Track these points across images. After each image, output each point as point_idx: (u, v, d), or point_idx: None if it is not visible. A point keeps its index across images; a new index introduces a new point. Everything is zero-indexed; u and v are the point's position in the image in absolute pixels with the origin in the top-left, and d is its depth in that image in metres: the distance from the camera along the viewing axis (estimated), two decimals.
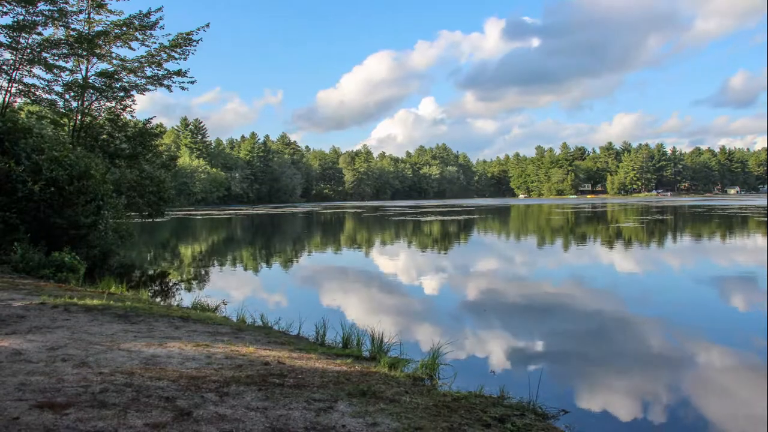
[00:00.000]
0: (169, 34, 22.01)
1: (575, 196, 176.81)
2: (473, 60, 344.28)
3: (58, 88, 21.34)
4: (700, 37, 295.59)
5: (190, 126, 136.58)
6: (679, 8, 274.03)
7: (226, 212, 78.04)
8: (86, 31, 20.96)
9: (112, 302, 8.84)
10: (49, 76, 20.87)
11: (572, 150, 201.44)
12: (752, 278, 14.80)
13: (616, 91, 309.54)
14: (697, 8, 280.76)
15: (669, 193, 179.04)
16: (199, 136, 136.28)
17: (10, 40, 19.07)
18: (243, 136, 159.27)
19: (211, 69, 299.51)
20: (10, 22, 18.64)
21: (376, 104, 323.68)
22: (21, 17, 18.72)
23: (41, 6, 18.81)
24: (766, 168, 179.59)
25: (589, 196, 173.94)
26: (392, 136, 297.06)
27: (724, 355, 8.01)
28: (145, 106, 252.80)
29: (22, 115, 21.02)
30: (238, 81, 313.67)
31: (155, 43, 21.91)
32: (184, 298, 12.34)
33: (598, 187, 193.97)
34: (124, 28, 21.29)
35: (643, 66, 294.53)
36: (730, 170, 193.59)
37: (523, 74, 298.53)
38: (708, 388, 6.67)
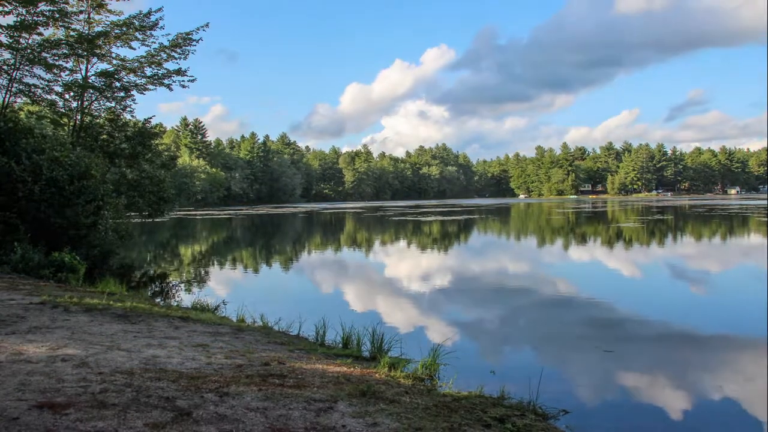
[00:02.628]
0: (169, 34, 22.01)
1: (576, 196, 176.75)
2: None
3: (58, 88, 21.35)
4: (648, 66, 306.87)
5: (190, 126, 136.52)
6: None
7: (225, 212, 78.03)
8: (86, 32, 20.96)
9: (111, 302, 8.83)
10: (49, 76, 20.86)
11: (572, 150, 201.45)
12: (754, 276, 14.80)
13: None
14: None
15: (669, 194, 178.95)
16: (199, 136, 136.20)
17: (10, 40, 19.07)
18: (243, 136, 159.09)
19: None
20: (11, 23, 18.65)
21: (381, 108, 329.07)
22: (22, 17, 18.71)
23: (42, 6, 18.80)
24: (766, 168, 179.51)
25: (590, 196, 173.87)
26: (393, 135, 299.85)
27: (725, 354, 8.01)
28: (187, 107, 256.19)
29: (21, 115, 20.99)
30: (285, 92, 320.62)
31: (155, 42, 21.92)
32: (184, 299, 12.34)
33: (599, 187, 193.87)
34: (124, 29, 21.27)
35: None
36: (730, 170, 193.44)
37: (488, 92, 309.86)
38: (709, 386, 6.66)
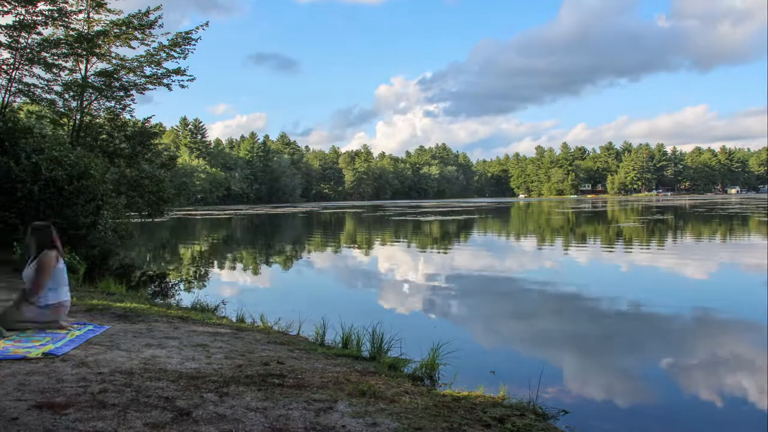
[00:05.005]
0: (168, 33, 22.02)
1: (575, 196, 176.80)
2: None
3: (58, 88, 21.35)
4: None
5: (190, 126, 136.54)
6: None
7: (225, 212, 78.01)
8: (86, 31, 20.95)
9: (111, 302, 8.83)
10: (48, 76, 20.87)
11: (572, 150, 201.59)
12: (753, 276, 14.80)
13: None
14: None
15: (669, 193, 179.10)
16: (199, 136, 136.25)
17: (10, 39, 19.06)
18: (242, 136, 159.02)
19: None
20: (11, 22, 18.64)
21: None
22: (21, 17, 18.70)
23: (41, 6, 18.80)
24: (766, 168, 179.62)
25: (589, 196, 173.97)
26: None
27: (730, 353, 8.00)
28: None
29: (21, 115, 21.00)
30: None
31: (154, 42, 21.92)
32: (184, 299, 12.33)
33: (599, 187, 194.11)
34: (124, 28, 21.27)
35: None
36: (730, 170, 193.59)
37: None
38: (711, 387, 6.66)
